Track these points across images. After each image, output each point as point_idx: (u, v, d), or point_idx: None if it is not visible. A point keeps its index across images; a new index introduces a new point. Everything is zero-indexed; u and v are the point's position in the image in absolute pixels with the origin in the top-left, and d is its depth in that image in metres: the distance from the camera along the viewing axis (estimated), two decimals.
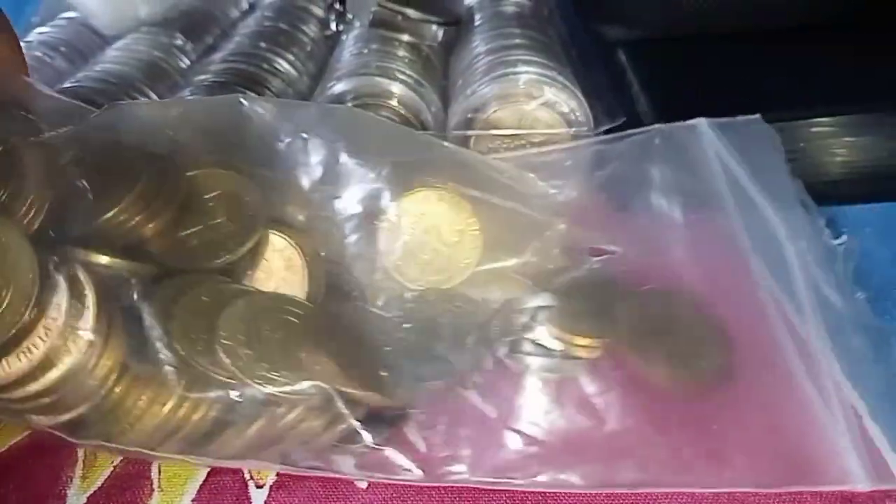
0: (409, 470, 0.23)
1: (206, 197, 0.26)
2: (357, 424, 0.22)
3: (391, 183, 0.27)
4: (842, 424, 0.22)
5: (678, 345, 0.25)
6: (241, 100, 0.27)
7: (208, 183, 0.26)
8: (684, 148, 0.29)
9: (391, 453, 0.23)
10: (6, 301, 0.21)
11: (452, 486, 0.23)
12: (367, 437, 0.22)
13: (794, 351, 0.24)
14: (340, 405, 0.22)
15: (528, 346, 0.26)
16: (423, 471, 0.23)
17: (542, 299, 0.26)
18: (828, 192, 0.34)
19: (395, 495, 0.23)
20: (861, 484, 0.21)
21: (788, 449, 0.23)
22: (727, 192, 0.28)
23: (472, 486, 0.23)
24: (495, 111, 0.32)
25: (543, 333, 0.26)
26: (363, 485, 0.24)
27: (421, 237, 0.27)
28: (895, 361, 0.24)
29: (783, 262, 0.26)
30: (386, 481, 0.23)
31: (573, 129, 0.32)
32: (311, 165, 0.27)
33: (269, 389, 0.22)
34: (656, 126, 0.30)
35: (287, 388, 0.22)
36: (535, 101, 0.32)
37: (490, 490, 0.23)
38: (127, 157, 0.25)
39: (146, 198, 0.24)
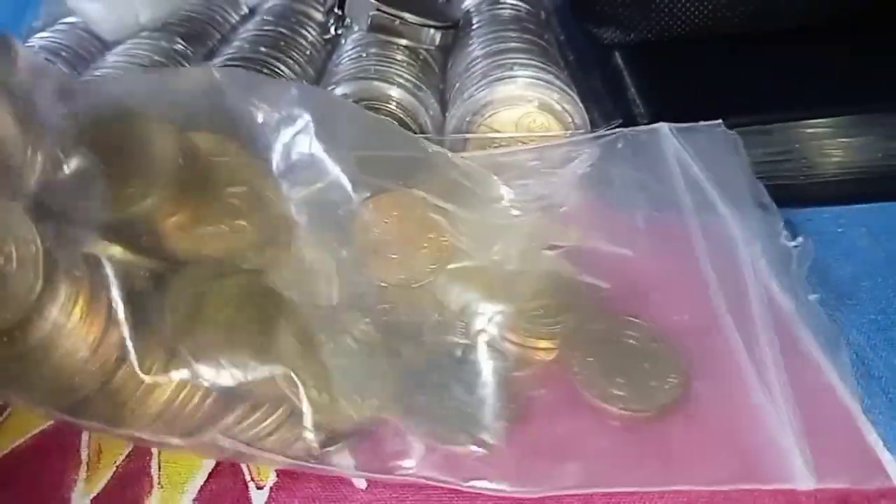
0: (356, 464, 0.23)
1: (230, 191, 0.25)
2: (308, 417, 0.22)
3: (363, 177, 0.27)
4: (788, 427, 0.23)
5: (633, 373, 0.25)
6: (214, 72, 0.27)
7: (230, 174, 0.26)
8: (646, 151, 0.30)
9: (340, 447, 0.23)
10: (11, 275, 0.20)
11: (451, 488, 0.23)
12: (312, 433, 0.23)
13: (745, 354, 0.24)
14: (305, 401, 0.22)
15: (483, 348, 0.26)
16: (372, 464, 0.23)
17: (500, 301, 0.27)
18: (823, 193, 0.34)
19: (394, 495, 0.23)
20: (806, 483, 0.22)
21: (737, 449, 0.23)
22: (685, 193, 0.29)
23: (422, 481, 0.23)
24: (492, 114, 0.33)
25: (499, 335, 0.26)
26: (363, 485, 0.24)
27: (389, 237, 0.27)
28: (845, 361, 0.25)
29: (737, 263, 0.27)
30: (385, 482, 0.24)
31: (570, 132, 0.32)
32: (283, 148, 0.26)
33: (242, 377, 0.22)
34: (620, 129, 0.31)
35: (257, 377, 0.22)
36: (532, 105, 0.32)
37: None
38: (147, 137, 0.24)
39: (175, 189, 0.23)
